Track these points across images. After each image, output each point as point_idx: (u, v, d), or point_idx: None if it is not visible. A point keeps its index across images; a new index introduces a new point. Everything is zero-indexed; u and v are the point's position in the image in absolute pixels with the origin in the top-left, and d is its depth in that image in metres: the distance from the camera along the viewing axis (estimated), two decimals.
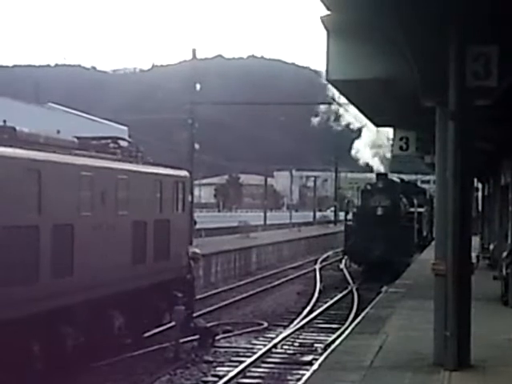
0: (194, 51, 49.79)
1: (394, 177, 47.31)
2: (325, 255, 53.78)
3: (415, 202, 40.31)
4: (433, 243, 34.63)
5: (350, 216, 41.18)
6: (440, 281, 11.81)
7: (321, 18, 12.62)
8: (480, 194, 46.13)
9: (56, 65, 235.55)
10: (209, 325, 22.06)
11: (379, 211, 38.02)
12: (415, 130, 22.33)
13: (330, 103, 50.63)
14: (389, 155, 47.94)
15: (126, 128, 55.00)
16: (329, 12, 11.79)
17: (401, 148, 22.72)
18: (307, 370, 17.46)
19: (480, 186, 45.54)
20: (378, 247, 36.53)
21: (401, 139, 22.76)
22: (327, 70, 13.30)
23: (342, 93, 17.52)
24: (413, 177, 54.45)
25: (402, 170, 51.34)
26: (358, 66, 13.02)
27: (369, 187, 40.26)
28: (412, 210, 39.72)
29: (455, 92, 10.28)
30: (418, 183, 59.48)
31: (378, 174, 42.01)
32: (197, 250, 21.77)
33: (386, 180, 40.42)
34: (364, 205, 39.50)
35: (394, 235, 36.55)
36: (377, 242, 36.67)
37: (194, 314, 21.16)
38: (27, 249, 14.21)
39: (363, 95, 16.49)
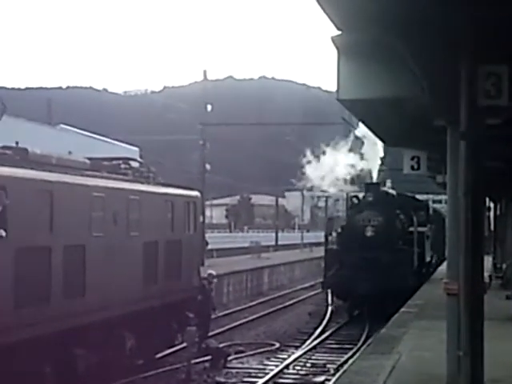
0: (205, 72, 50.03)
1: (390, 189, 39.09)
2: None
3: (414, 219, 30.62)
4: (438, 270, 34.27)
5: (332, 237, 32.47)
6: (452, 300, 11.75)
7: (331, 37, 12.65)
8: (492, 213, 45.96)
9: (68, 87, 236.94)
10: (221, 345, 22.02)
11: (369, 231, 29.63)
12: (426, 150, 22.29)
13: (341, 123, 48.21)
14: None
15: (137, 149, 55.12)
16: (339, 32, 11.82)
17: (412, 168, 22.65)
18: None
19: (492, 205, 45.40)
20: (366, 278, 28.04)
21: (412, 159, 22.70)
22: (338, 90, 13.31)
23: (352, 112, 17.52)
24: (424, 196, 52.44)
25: (413, 190, 48.48)
26: (368, 85, 13.02)
27: (356, 201, 32.15)
28: (411, 229, 30.48)
29: (466, 111, 10.26)
30: (430, 203, 55.05)
31: (368, 185, 32.72)
32: (212, 272, 21.76)
33: (378, 192, 31.46)
34: (350, 223, 30.83)
35: (387, 262, 28.56)
36: (365, 272, 28.30)
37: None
38: (39, 269, 14.23)
39: (374, 115, 16.47)
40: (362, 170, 38.20)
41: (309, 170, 43.40)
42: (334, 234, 32.41)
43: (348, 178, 40.15)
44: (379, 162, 36.83)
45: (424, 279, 31.41)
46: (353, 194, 35.70)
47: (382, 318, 23.28)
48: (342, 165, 38.89)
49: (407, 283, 27.92)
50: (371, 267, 28.33)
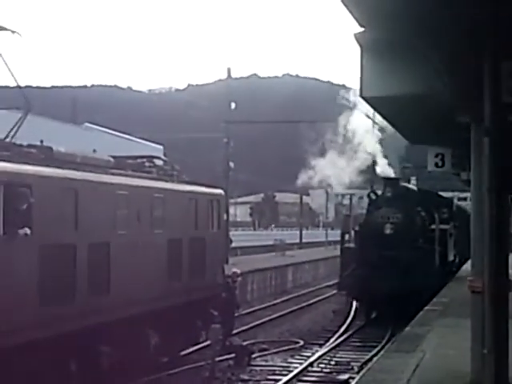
0: (229, 70, 50.10)
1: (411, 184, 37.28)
2: None
3: (436, 216, 29.53)
4: (463, 268, 33.76)
5: (349, 235, 31.13)
6: (477, 298, 11.71)
7: (354, 35, 12.64)
8: None
9: (92, 85, 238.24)
10: (245, 343, 22.05)
11: (387, 229, 28.30)
12: (450, 147, 22.21)
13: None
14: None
15: (161, 147, 55.40)
16: (362, 29, 11.80)
17: (436, 165, 22.58)
18: None
19: None
20: (385, 278, 26.77)
21: (436, 156, 22.63)
22: (361, 87, 13.30)
23: (376, 109, 17.50)
24: (449, 194, 51.72)
25: (438, 188, 47.46)
26: (391, 82, 13.01)
27: (374, 197, 30.47)
28: (433, 226, 29.25)
29: (490, 108, 10.22)
30: (455, 200, 53.29)
31: (386, 179, 31.30)
32: (237, 270, 21.80)
33: (398, 187, 30.00)
34: (368, 220, 29.53)
35: (406, 261, 27.18)
36: (384, 271, 27.00)
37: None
38: (65, 267, 14.33)
39: (397, 112, 16.44)
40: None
41: (317, 166, 42.93)
42: (352, 232, 30.91)
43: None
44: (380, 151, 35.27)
45: (446, 279, 29.60)
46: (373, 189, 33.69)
47: (400, 320, 22.43)
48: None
49: (428, 283, 26.24)
50: (390, 267, 27.01)
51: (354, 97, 35.42)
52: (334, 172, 39.19)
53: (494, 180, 10.61)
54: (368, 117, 34.98)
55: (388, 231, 28.26)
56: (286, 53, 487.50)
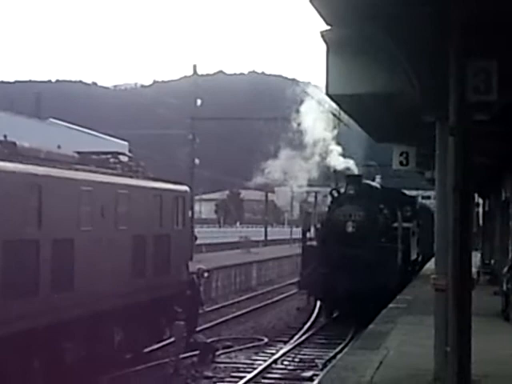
0: (195, 67, 49.97)
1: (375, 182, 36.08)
2: None
3: (399, 214, 28.80)
4: (426, 267, 33.90)
5: (310, 234, 30.41)
6: (440, 296, 11.78)
7: (321, 32, 12.66)
8: (481, 209, 46.09)
9: (57, 80, 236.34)
10: (209, 340, 22.02)
11: (349, 227, 27.55)
12: (415, 145, 22.34)
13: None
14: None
15: (126, 143, 55.04)
16: (329, 27, 11.82)
17: (401, 163, 22.70)
18: None
19: (481, 201, 45.51)
20: (346, 277, 26.04)
21: (401, 154, 22.75)
22: (327, 85, 13.33)
23: (341, 108, 17.55)
24: (413, 192, 51.83)
25: (402, 186, 47.38)
26: (357, 80, 13.04)
27: (336, 194, 29.69)
28: (395, 225, 28.57)
29: (455, 107, 10.27)
30: (419, 199, 52.70)
31: (349, 177, 30.59)
32: (203, 267, 21.75)
33: (360, 185, 29.29)
34: (330, 218, 28.70)
35: (368, 259, 26.34)
36: (345, 270, 26.23)
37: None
38: (27, 263, 14.20)
39: (363, 110, 16.50)
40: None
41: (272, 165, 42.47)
42: (313, 230, 30.52)
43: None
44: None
45: (409, 278, 29.83)
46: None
47: (362, 320, 22.23)
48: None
49: (390, 282, 25.97)
50: (351, 265, 26.29)
51: (306, 90, 34.82)
52: (289, 169, 38.67)
53: (459, 179, 10.67)
54: (319, 103, 33.73)
55: (350, 229, 27.63)
56: (251, 50, 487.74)
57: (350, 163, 33.33)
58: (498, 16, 9.40)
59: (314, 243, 29.28)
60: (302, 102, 37.05)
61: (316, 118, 35.23)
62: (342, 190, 29.69)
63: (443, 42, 9.72)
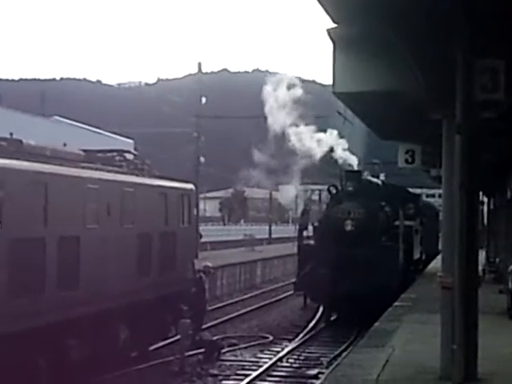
0: (199, 65, 50.04)
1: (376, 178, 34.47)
2: None
3: (400, 212, 27.39)
4: (430, 266, 33.71)
5: (307, 232, 28.86)
6: (447, 294, 11.79)
7: (327, 30, 12.66)
8: (486, 207, 46.04)
9: (62, 78, 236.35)
10: (214, 338, 22.02)
11: (348, 225, 26.20)
12: (421, 143, 22.33)
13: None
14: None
15: (131, 141, 55.13)
16: (335, 24, 11.82)
17: (406, 161, 22.71)
18: (313, 383, 17.48)
19: (486, 199, 45.45)
20: (345, 278, 24.82)
21: (406, 152, 22.75)
22: (333, 83, 13.33)
23: (348, 106, 17.54)
24: (418, 190, 51.40)
25: (406, 184, 46.68)
26: (364, 78, 13.04)
27: (334, 191, 28.32)
28: (397, 223, 27.14)
29: (462, 105, 10.27)
30: (424, 197, 49.01)
31: (348, 172, 28.77)
32: (209, 264, 21.73)
33: (360, 181, 27.92)
34: (327, 216, 27.43)
35: (368, 259, 25.06)
36: (343, 270, 24.96)
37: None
38: (33, 261, 14.21)
39: (369, 108, 16.51)
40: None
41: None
42: (310, 228, 28.93)
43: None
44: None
45: (412, 278, 28.54)
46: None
47: (362, 323, 21.66)
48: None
49: (391, 283, 24.79)
50: (350, 266, 24.94)
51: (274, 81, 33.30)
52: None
53: (465, 177, 10.67)
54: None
55: (349, 228, 26.25)
56: (256, 48, 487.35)
57: (353, 159, 32.13)
58: (507, 15, 9.38)
59: (312, 242, 28.06)
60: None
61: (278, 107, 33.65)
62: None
63: (451, 39, 9.71)
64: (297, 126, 30.73)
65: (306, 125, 31.10)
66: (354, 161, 31.77)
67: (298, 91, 31.05)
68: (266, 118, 32.79)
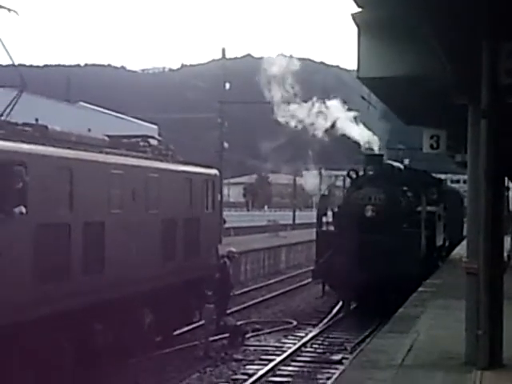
0: (223, 50, 49.96)
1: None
2: None
3: (423, 197, 26.21)
4: (454, 252, 33.26)
5: (326, 218, 27.81)
6: (472, 279, 11.75)
7: (352, 15, 12.60)
8: (511, 193, 45.72)
9: (86, 64, 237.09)
10: (238, 323, 22.09)
11: (369, 211, 25.51)
12: (446, 128, 22.20)
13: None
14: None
15: (155, 127, 55.23)
16: (360, 9, 11.77)
17: (431, 146, 22.59)
18: (337, 368, 17.51)
19: (511, 185, 45.14)
20: (364, 265, 24.02)
21: (431, 137, 22.63)
22: (358, 68, 13.27)
23: (372, 90, 17.47)
24: (442, 176, 50.91)
25: (431, 170, 45.81)
26: (389, 63, 12.97)
27: (354, 175, 27.42)
28: (419, 208, 26.13)
29: (488, 89, 10.21)
30: (448, 183, 46.72)
31: (369, 156, 28.08)
32: (233, 249, 21.75)
33: (381, 165, 27.12)
34: (347, 202, 26.65)
35: (389, 246, 24.29)
36: (363, 258, 24.11)
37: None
38: (58, 246, 14.30)
39: (394, 93, 16.43)
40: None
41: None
42: (330, 214, 27.77)
43: None
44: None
45: (434, 266, 27.42)
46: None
47: (383, 312, 21.14)
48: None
49: (412, 271, 23.98)
50: (370, 253, 24.18)
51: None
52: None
53: (491, 162, 10.61)
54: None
55: (369, 213, 25.53)
56: (279, 33, 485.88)
57: (373, 138, 30.60)
58: None
59: (331, 228, 27.33)
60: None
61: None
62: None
63: (476, 22, 9.64)
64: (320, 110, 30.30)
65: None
66: (375, 141, 30.67)
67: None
68: (288, 104, 32.30)
